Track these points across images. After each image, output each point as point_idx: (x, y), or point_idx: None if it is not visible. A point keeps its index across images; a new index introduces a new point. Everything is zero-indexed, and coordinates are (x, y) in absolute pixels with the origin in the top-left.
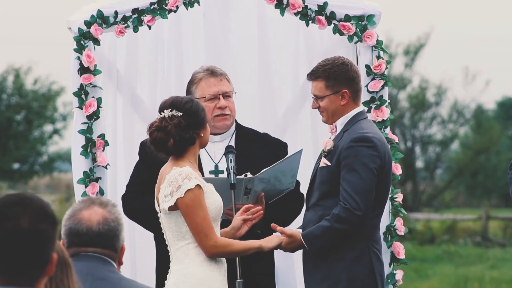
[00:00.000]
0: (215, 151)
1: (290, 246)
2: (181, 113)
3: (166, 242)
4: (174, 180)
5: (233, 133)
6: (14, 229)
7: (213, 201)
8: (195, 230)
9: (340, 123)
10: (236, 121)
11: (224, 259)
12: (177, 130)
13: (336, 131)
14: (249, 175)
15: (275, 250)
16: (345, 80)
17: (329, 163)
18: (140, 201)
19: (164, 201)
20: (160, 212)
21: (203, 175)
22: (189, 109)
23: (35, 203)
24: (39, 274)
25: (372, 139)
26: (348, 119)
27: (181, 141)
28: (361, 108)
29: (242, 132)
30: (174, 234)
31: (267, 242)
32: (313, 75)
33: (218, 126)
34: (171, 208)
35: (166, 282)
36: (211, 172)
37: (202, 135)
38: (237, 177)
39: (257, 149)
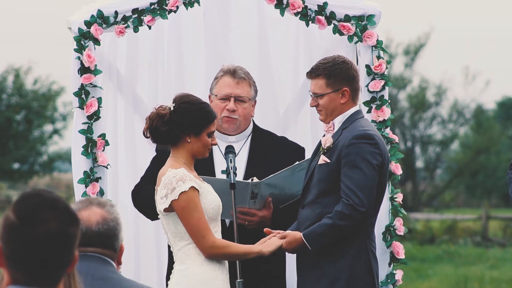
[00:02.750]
0: None
1: (290, 247)
2: (173, 109)
3: (168, 243)
4: (169, 182)
5: (249, 135)
6: (45, 234)
7: (211, 201)
8: (191, 232)
9: (338, 121)
10: (253, 122)
11: None
12: (158, 120)
13: (333, 129)
14: (255, 179)
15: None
16: (345, 79)
17: (328, 160)
18: (144, 189)
19: (160, 203)
20: (159, 213)
21: (214, 175)
22: (181, 107)
23: (61, 204)
24: (64, 273)
25: (374, 137)
26: (346, 117)
27: (155, 131)
28: (358, 107)
29: (259, 134)
30: (173, 235)
31: (267, 246)
32: (313, 73)
33: (224, 127)
34: (166, 210)
35: (169, 282)
36: (223, 172)
37: (190, 141)
38: (243, 181)
39: (273, 152)
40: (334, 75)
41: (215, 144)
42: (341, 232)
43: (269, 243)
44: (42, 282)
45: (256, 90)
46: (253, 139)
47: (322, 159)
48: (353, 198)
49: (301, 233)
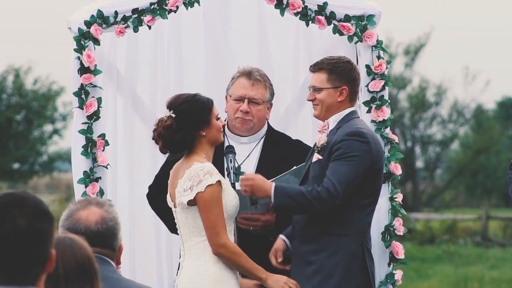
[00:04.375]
0: (239, 152)
1: (256, 189)
2: (175, 115)
3: (179, 237)
4: (196, 174)
5: (262, 137)
6: (13, 230)
7: (231, 198)
8: (208, 226)
9: (333, 120)
10: (268, 124)
11: None
12: (168, 132)
13: (328, 128)
14: None
15: None
16: (347, 78)
17: (321, 157)
18: (162, 200)
19: (182, 195)
20: (175, 207)
21: (223, 175)
22: (182, 110)
23: (31, 202)
24: (40, 272)
25: (366, 135)
26: (342, 117)
27: (171, 144)
28: (354, 108)
29: (272, 136)
30: (190, 230)
31: (273, 282)
32: (316, 66)
33: (237, 127)
34: (190, 203)
35: (176, 278)
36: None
37: (204, 134)
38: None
39: (285, 155)
40: (337, 72)
41: (224, 125)
42: (307, 207)
43: (277, 279)
44: (16, 280)
45: (273, 93)
46: (266, 141)
47: (316, 156)
48: (331, 188)
49: (273, 184)
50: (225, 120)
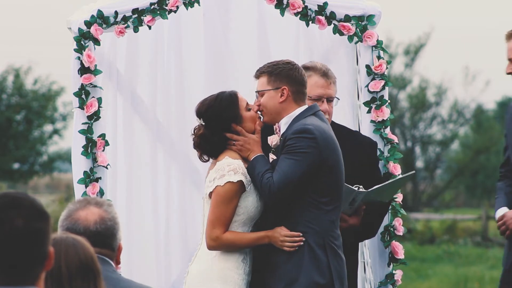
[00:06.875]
0: None
1: (245, 147)
2: (204, 122)
3: (202, 226)
4: (221, 168)
5: None
6: (11, 232)
7: (254, 201)
8: (208, 219)
9: (284, 122)
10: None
11: (249, 258)
12: (203, 140)
13: (279, 131)
14: (361, 188)
15: None
16: (286, 77)
17: (275, 157)
18: None
19: (207, 186)
20: (204, 197)
21: None
22: (209, 116)
23: (26, 202)
24: (40, 271)
25: (313, 131)
26: (293, 118)
27: (209, 150)
28: (306, 106)
29: (335, 129)
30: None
31: (273, 242)
32: (257, 72)
33: None
34: (210, 195)
35: (190, 264)
36: None
37: (239, 129)
38: (350, 186)
39: (348, 146)
40: (276, 74)
41: (256, 111)
42: (259, 190)
43: (275, 236)
44: (17, 281)
45: None
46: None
47: (271, 157)
48: (271, 185)
49: (258, 154)
50: None
